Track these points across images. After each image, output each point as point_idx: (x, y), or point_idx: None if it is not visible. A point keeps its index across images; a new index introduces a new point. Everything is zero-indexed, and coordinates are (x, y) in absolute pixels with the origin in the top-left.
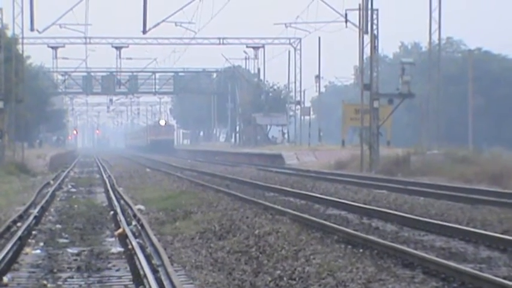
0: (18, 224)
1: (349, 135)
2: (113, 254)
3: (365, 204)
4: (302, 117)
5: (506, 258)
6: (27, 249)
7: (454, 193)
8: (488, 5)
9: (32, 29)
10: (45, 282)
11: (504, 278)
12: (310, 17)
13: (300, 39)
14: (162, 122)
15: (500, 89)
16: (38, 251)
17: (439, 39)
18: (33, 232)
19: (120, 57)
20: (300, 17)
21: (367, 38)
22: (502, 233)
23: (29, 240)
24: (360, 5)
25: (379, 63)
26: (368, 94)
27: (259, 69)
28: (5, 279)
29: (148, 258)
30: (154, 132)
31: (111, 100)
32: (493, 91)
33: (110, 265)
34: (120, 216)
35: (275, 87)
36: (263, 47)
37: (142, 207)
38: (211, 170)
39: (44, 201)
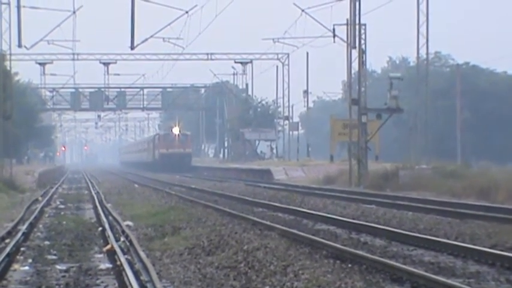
0: (7, 241)
1: (337, 150)
2: (101, 270)
3: (354, 219)
4: (290, 132)
5: (495, 272)
6: (15, 266)
7: (443, 207)
8: (476, 20)
9: (19, 45)
10: None
11: None
12: (298, 32)
13: (288, 54)
14: (176, 130)
15: (488, 103)
16: (27, 268)
17: (427, 53)
18: (22, 248)
19: (108, 73)
20: (288, 32)
21: (355, 53)
22: (490, 247)
23: (18, 257)
24: (347, 20)
25: (367, 78)
26: (356, 109)
27: (247, 85)
28: None
29: (136, 274)
30: (165, 143)
31: (99, 116)
32: (481, 105)
33: (98, 281)
34: (109, 232)
35: (263, 102)
36: (251, 62)
37: (130, 223)
38: (200, 186)
39: (32, 217)
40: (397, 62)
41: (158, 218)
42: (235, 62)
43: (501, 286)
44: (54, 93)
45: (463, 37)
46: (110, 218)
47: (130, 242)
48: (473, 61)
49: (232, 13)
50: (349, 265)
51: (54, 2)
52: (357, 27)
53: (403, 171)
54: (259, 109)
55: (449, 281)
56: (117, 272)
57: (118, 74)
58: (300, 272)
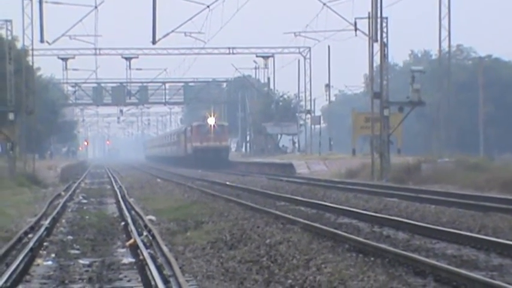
0: (30, 235)
1: (359, 144)
2: (124, 264)
3: (376, 212)
4: (312, 126)
5: None
6: (38, 261)
7: (465, 201)
8: (499, 12)
9: (41, 41)
10: None
11: None
12: (320, 26)
13: (310, 48)
14: (212, 120)
15: (511, 96)
16: (50, 262)
17: (449, 46)
18: (45, 243)
19: (130, 68)
20: (310, 26)
21: (376, 46)
22: None
23: (41, 252)
24: (369, 13)
25: (389, 72)
26: (378, 102)
27: (269, 79)
28: None
29: (159, 268)
30: (199, 135)
31: (121, 111)
32: (503, 98)
33: (121, 276)
34: (131, 227)
35: (285, 96)
36: (273, 56)
37: (153, 217)
38: (222, 180)
39: (55, 212)
40: (419, 55)
41: (181, 212)
42: (257, 56)
43: None
44: (77, 88)
45: (485, 30)
46: (133, 212)
47: (153, 236)
48: (496, 54)
49: (253, 7)
50: (372, 258)
51: None
52: (379, 20)
53: (425, 164)
54: (281, 103)
55: (472, 274)
56: (140, 266)
57: (140, 69)
58: (323, 265)
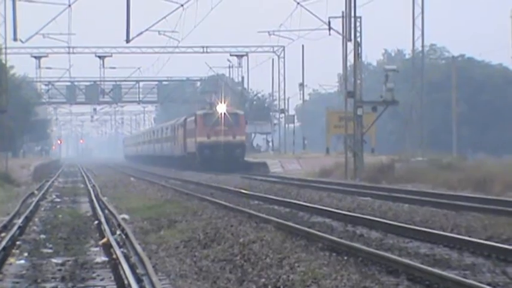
0: (2, 235)
1: (333, 143)
2: (97, 263)
3: (349, 211)
4: (286, 125)
5: (490, 264)
6: (11, 260)
7: (439, 200)
8: (471, 12)
9: (15, 39)
10: None
11: (488, 285)
12: (294, 25)
13: (284, 47)
14: (223, 108)
15: (484, 95)
16: (22, 261)
17: (422, 46)
18: (18, 242)
19: (103, 67)
20: (284, 25)
21: (350, 46)
22: (486, 239)
23: (13, 251)
24: (343, 12)
25: (363, 71)
26: (352, 101)
27: (243, 78)
28: None
29: (132, 267)
30: (207, 128)
31: (94, 109)
32: (476, 98)
33: (94, 275)
34: (105, 226)
35: (259, 95)
36: (247, 55)
37: (126, 216)
38: (195, 179)
39: (28, 211)
40: (393, 54)
41: (154, 211)
42: (231, 55)
43: (496, 278)
44: (50, 86)
45: (458, 29)
46: (106, 211)
47: (126, 235)
48: (469, 53)
49: (227, 6)
50: (345, 257)
51: None
52: (352, 19)
53: (398, 163)
54: (255, 102)
55: (445, 273)
56: (113, 265)
57: (114, 68)
58: (296, 264)
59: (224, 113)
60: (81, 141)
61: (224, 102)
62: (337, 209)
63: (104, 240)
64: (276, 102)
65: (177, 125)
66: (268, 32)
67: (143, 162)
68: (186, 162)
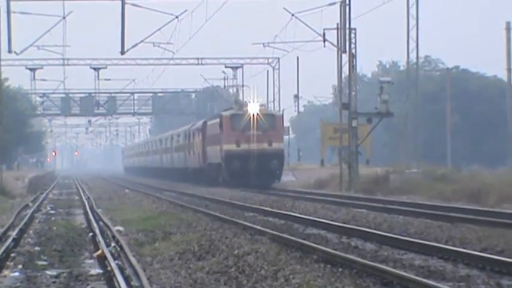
0: None
1: (328, 155)
2: (92, 275)
3: (344, 223)
4: None
5: (484, 276)
6: (5, 272)
7: (433, 211)
8: (466, 24)
9: (9, 51)
10: None
11: None
12: (289, 37)
13: (279, 58)
14: (255, 108)
15: (478, 107)
16: (17, 274)
17: (417, 57)
18: (12, 254)
19: (98, 79)
20: (278, 37)
21: (345, 57)
22: (480, 251)
23: (8, 263)
24: (337, 24)
25: (358, 83)
26: (347, 113)
27: (237, 89)
28: None
29: (127, 279)
30: (235, 133)
31: (89, 121)
32: (471, 109)
33: (88, 287)
34: (99, 238)
35: None
36: (241, 66)
37: (121, 228)
38: (190, 191)
39: (22, 223)
40: (387, 66)
41: (149, 223)
42: (226, 67)
43: None
44: (45, 98)
45: (453, 41)
46: (101, 223)
47: (121, 247)
48: (464, 65)
49: (222, 18)
50: (340, 269)
51: (44, 7)
52: (347, 31)
53: (393, 175)
54: None
55: (440, 285)
56: (108, 277)
57: (108, 79)
58: (291, 276)
59: (257, 114)
60: (76, 153)
61: (257, 101)
62: (332, 220)
63: (99, 252)
64: None
65: (194, 131)
66: (263, 43)
67: (148, 176)
68: (205, 175)
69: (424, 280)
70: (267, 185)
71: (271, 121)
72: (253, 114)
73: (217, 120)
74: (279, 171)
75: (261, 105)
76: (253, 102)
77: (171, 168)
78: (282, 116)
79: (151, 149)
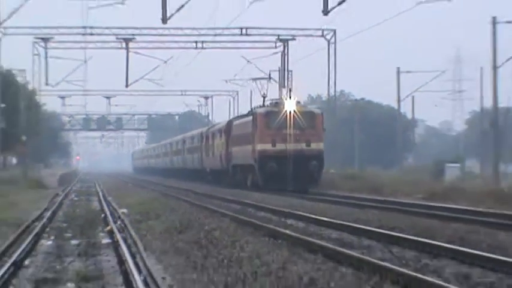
0: (36, 223)
1: None
2: (103, 244)
3: (284, 208)
4: None
5: (381, 246)
6: (42, 241)
7: (346, 200)
8: (370, 64)
9: (47, 84)
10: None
11: (381, 260)
12: (245, 75)
13: (237, 92)
14: (291, 105)
15: (378, 128)
16: (50, 242)
17: (335, 92)
18: (47, 229)
19: (110, 104)
20: (238, 75)
21: (284, 91)
22: (378, 227)
23: (44, 235)
24: (279, 67)
25: None
26: None
27: (208, 113)
28: (26, 262)
29: (129, 247)
30: (270, 132)
31: (103, 135)
32: (372, 130)
33: (101, 252)
34: (109, 218)
35: None
36: (211, 97)
37: (125, 210)
38: (176, 185)
39: (54, 207)
40: (314, 97)
41: (144, 207)
42: (201, 97)
43: (385, 255)
44: (71, 118)
45: (360, 78)
46: (110, 207)
47: (124, 224)
48: (368, 97)
49: (198, 61)
50: (279, 241)
51: (71, 53)
52: (286, 72)
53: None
54: None
55: (349, 251)
56: (115, 245)
57: (117, 105)
58: (245, 245)
59: (294, 111)
60: (94, 157)
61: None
62: (275, 206)
63: (109, 227)
64: None
65: (212, 133)
66: (226, 80)
67: (157, 175)
68: (227, 177)
69: (339, 248)
70: (305, 189)
71: (310, 119)
72: (290, 112)
73: (246, 119)
74: (318, 173)
75: (298, 102)
76: (290, 97)
77: (182, 168)
78: (322, 114)
79: (161, 151)
